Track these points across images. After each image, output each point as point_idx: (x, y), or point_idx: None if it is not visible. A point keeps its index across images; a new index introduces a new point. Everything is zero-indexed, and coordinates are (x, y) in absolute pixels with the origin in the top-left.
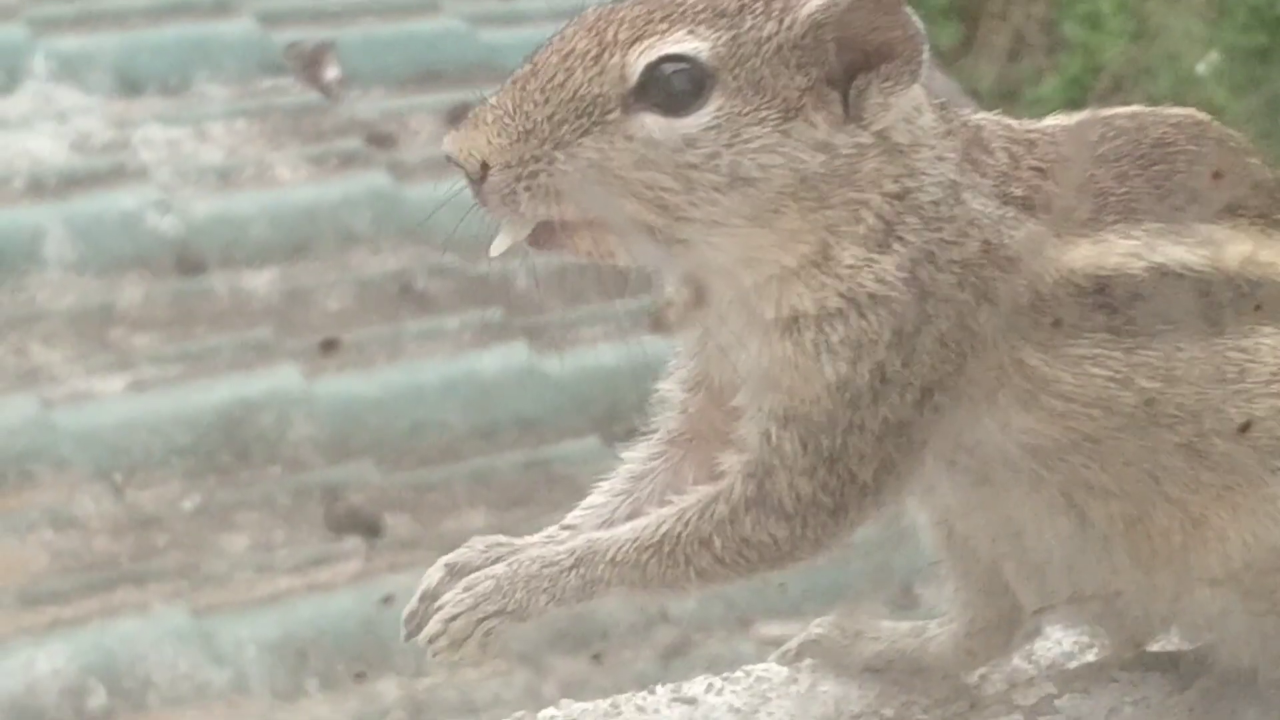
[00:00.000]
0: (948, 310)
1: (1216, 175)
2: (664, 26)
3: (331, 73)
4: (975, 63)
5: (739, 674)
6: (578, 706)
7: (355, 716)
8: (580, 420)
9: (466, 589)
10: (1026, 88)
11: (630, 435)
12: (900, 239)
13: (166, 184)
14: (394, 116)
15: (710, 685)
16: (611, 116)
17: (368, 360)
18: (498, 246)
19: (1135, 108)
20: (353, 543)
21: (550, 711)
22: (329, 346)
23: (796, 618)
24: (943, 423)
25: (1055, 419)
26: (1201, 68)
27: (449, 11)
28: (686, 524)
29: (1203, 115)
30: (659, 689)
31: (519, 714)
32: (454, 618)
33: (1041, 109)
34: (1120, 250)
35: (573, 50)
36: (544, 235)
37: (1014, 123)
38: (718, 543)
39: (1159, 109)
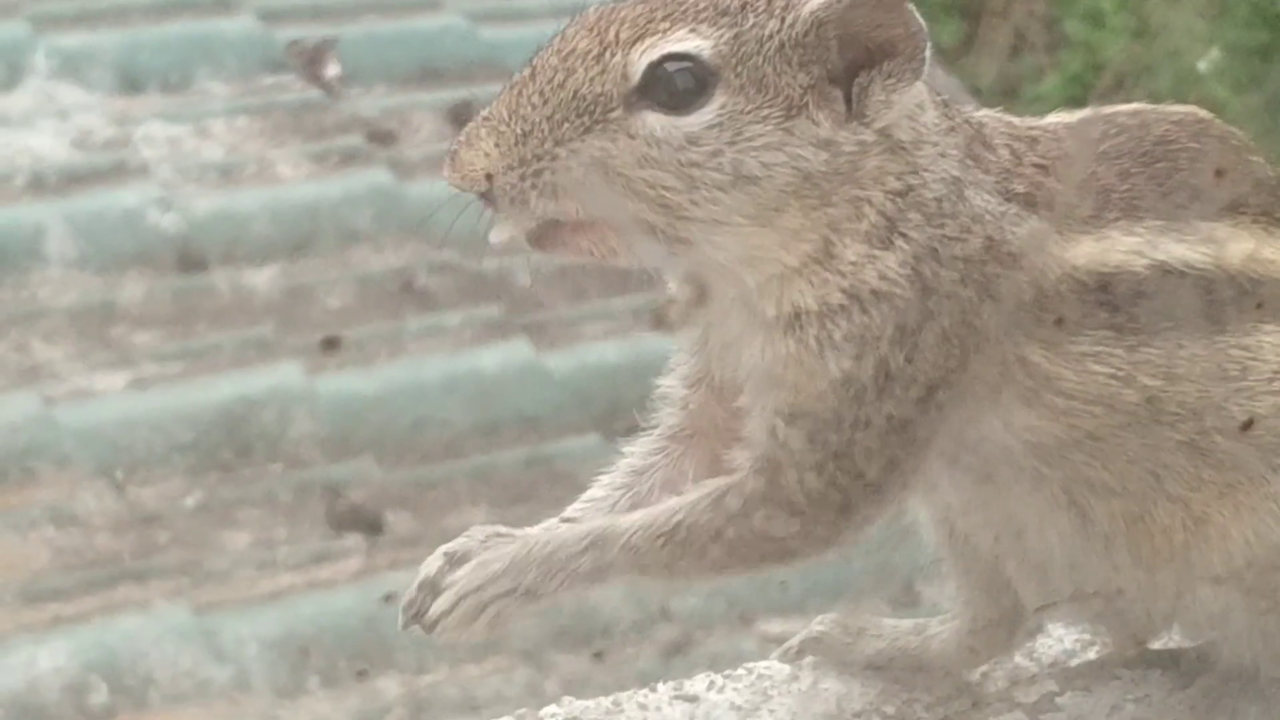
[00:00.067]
0: (950, 307)
1: (1218, 173)
2: (666, 25)
3: (332, 70)
4: (976, 60)
5: (741, 671)
6: (579, 704)
7: (356, 714)
8: (581, 417)
9: (479, 567)
10: (1027, 85)
11: (631, 432)
12: (903, 235)
13: (168, 181)
14: (395, 114)
15: (712, 683)
16: (614, 115)
17: (369, 357)
18: (497, 234)
19: (1137, 105)
20: (354, 540)
21: (552, 709)
22: (330, 344)
23: (798, 615)
24: (947, 420)
25: (1057, 416)
26: (1203, 65)
27: (450, 9)
28: (700, 514)
29: (1204, 113)
30: (660, 686)
31: (520, 711)
32: (464, 595)
33: (1042, 107)
34: (1123, 247)
35: (574, 50)
36: (547, 236)
37: (1016, 120)
38: (730, 534)
39: (1161, 106)
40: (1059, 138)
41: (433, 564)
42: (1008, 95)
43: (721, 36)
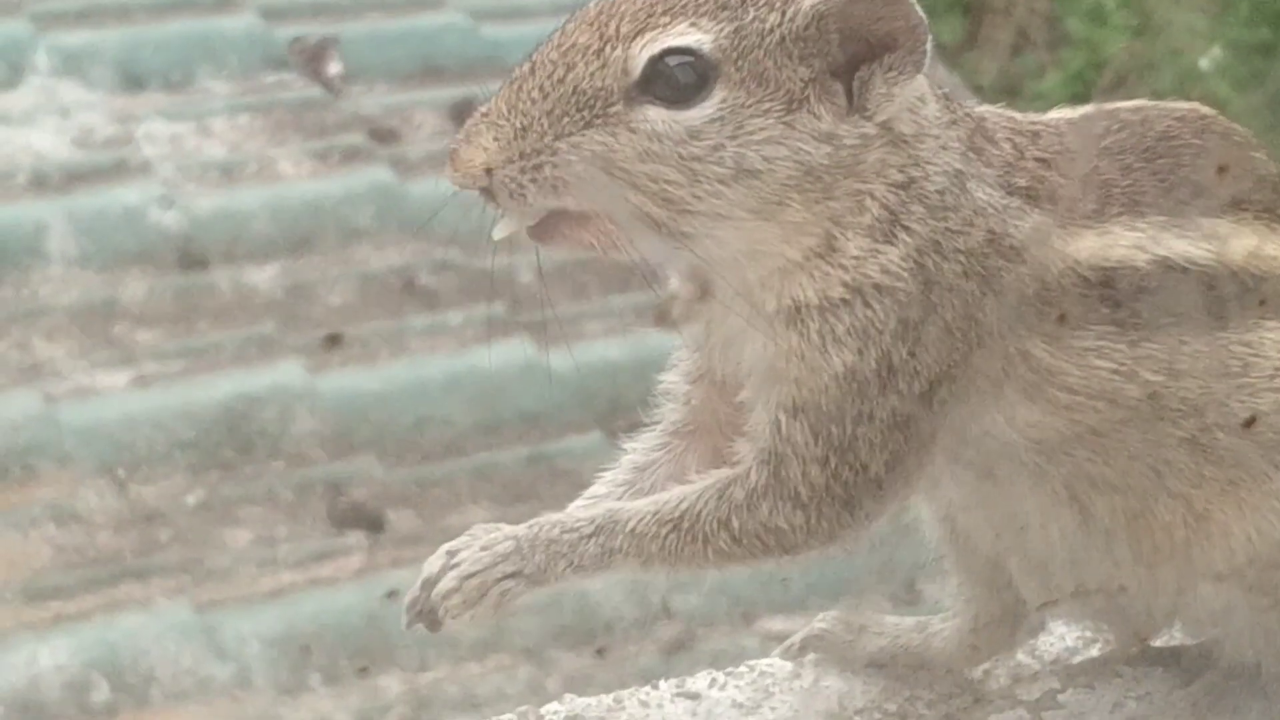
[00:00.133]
0: (953, 300)
1: (1221, 169)
2: (666, 20)
3: (334, 68)
4: (978, 58)
5: (742, 669)
6: (581, 701)
7: (358, 711)
8: (583, 415)
9: (485, 548)
10: (1029, 83)
11: (633, 430)
12: (906, 228)
13: (169, 179)
14: (396, 112)
15: (714, 680)
16: (614, 109)
17: (371, 355)
18: (500, 230)
19: (1139, 101)
20: (355, 538)
21: (554, 706)
22: (332, 341)
23: (800, 613)
24: (950, 416)
25: (1060, 411)
26: (1205, 63)
27: (451, 7)
28: (706, 503)
29: (1207, 109)
30: (662, 684)
31: (522, 709)
32: (470, 575)
33: (1044, 104)
34: (1125, 242)
35: (573, 45)
36: (548, 229)
37: (1017, 115)
38: (736, 525)
39: (1163, 103)
40: (1061, 133)
41: (435, 563)
42: (1009, 93)
43: (722, 30)
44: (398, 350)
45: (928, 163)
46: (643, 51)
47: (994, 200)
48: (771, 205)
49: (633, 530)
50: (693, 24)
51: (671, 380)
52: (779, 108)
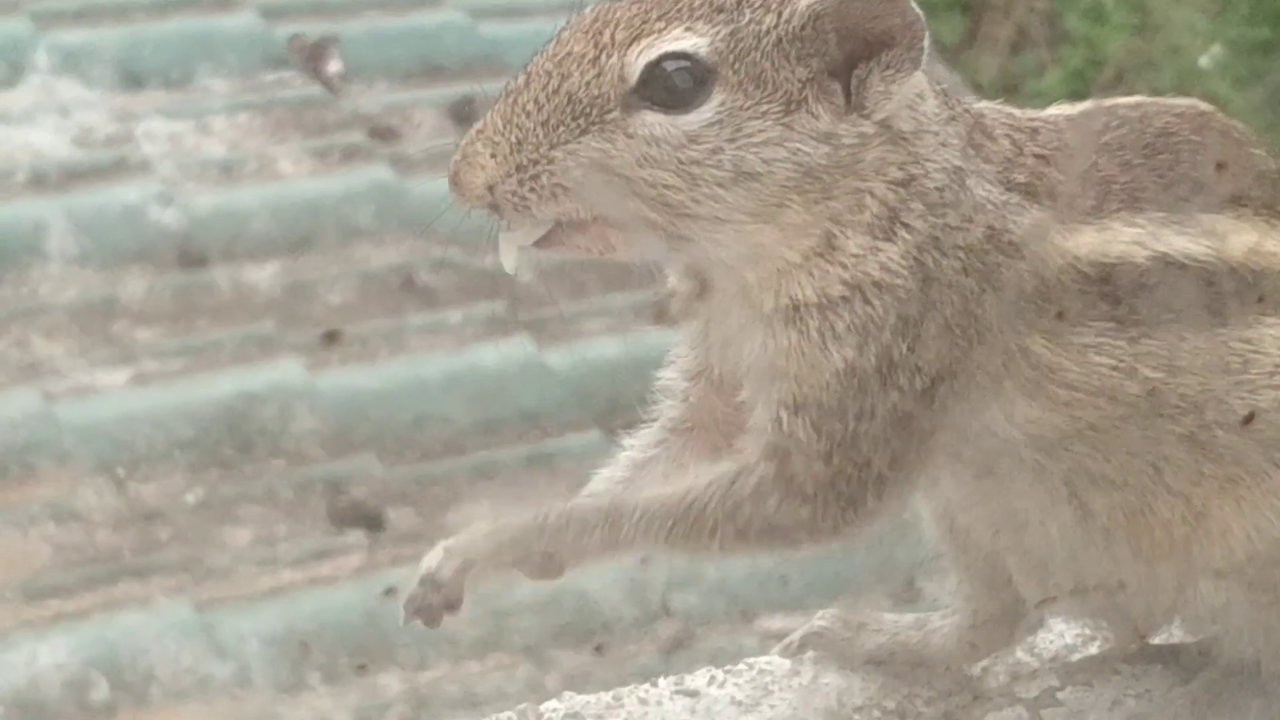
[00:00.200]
0: (952, 296)
1: (1220, 166)
2: (661, 25)
3: (334, 66)
4: (977, 56)
5: (741, 666)
6: (580, 699)
7: (357, 710)
8: (582, 414)
9: (490, 535)
10: (1028, 81)
11: (632, 428)
12: (906, 225)
13: (169, 178)
14: (396, 110)
15: (712, 678)
16: (611, 116)
17: (370, 354)
18: (508, 260)
19: (1138, 98)
20: (355, 536)
21: (553, 704)
22: (331, 337)
23: (799, 611)
24: (950, 414)
25: (1059, 408)
26: (1204, 61)
27: (451, 5)
28: (713, 496)
29: (1206, 106)
30: (661, 681)
31: (521, 706)
32: (475, 559)
33: (1043, 102)
34: (1124, 239)
35: (568, 54)
36: (549, 236)
37: (1016, 111)
38: (742, 518)
39: (1162, 99)
40: (1060, 129)
41: (433, 559)
42: (1009, 91)
43: (718, 33)
44: (397, 349)
45: (927, 160)
46: (639, 58)
47: (993, 196)
48: (771, 207)
49: (639, 520)
50: (688, 28)
51: (669, 377)
52: (777, 109)
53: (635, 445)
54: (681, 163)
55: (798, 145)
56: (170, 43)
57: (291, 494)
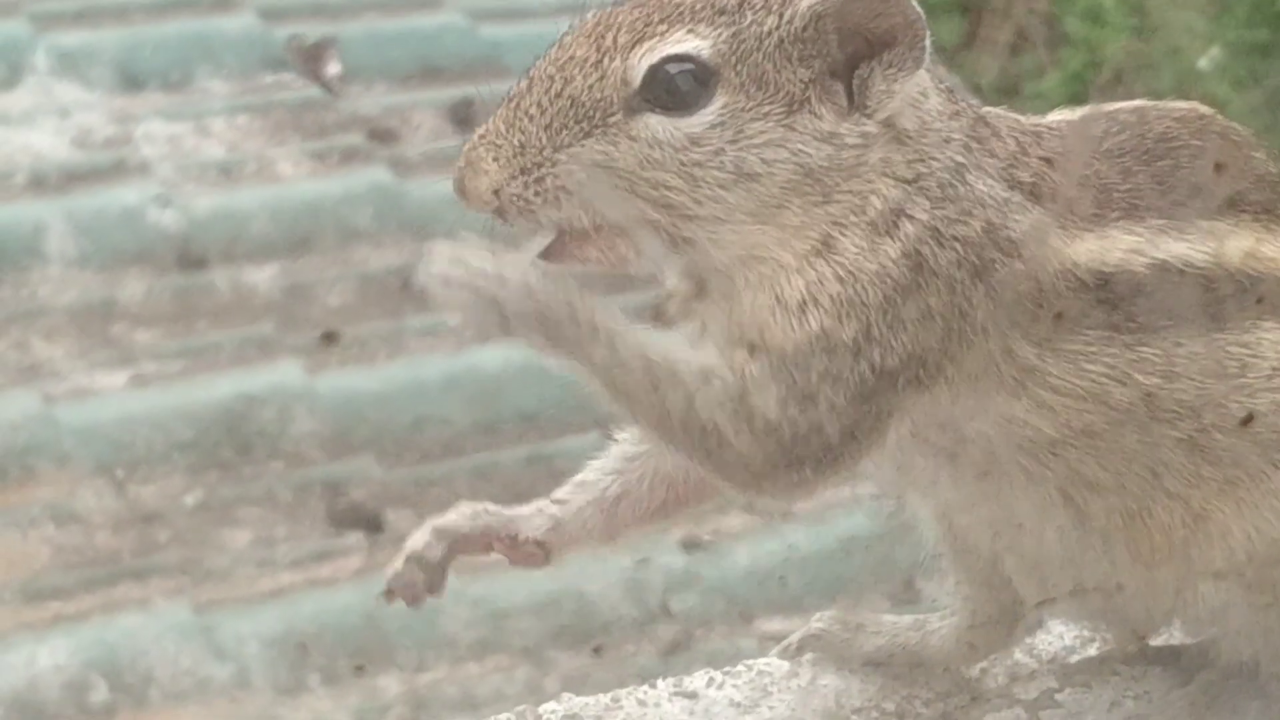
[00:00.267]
0: (940, 285)
1: (1218, 168)
2: (663, 28)
3: (333, 68)
4: (977, 58)
5: (740, 668)
6: (579, 701)
7: (356, 711)
8: (582, 415)
9: (476, 273)
10: (1028, 83)
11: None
12: (910, 218)
13: (168, 179)
14: (395, 112)
15: (711, 679)
16: (614, 119)
17: (369, 355)
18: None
19: (1138, 102)
20: (354, 538)
21: (551, 705)
22: (329, 338)
23: (797, 612)
24: (922, 400)
25: (1053, 413)
26: (1203, 63)
27: (450, 7)
28: (688, 370)
29: (1206, 109)
30: (660, 683)
31: (520, 708)
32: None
33: (1043, 104)
34: (1124, 246)
35: (571, 58)
36: (555, 248)
37: (1019, 116)
38: (695, 407)
39: (1162, 103)
40: (1062, 134)
41: (420, 539)
42: (1008, 93)
43: (720, 35)
44: (396, 350)
45: (932, 157)
46: (642, 61)
47: (994, 192)
48: (770, 208)
49: (614, 346)
50: (690, 31)
51: None
52: (779, 110)
53: (627, 438)
54: (684, 164)
55: (799, 146)
56: (169, 44)
57: (290, 496)
